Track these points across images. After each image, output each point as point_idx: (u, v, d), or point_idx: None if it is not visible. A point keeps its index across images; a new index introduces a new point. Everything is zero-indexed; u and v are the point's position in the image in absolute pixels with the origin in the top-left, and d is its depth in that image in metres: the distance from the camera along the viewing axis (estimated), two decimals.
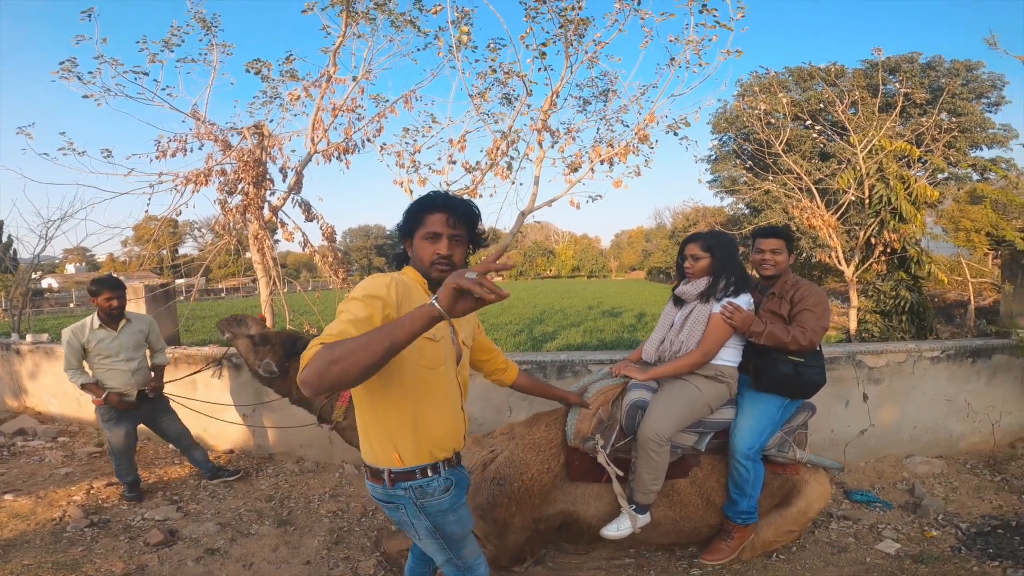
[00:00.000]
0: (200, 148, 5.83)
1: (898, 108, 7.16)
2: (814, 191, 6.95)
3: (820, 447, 3.93)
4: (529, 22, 5.24)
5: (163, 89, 5.65)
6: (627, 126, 6.38)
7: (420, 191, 6.27)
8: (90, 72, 5.40)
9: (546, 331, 15.16)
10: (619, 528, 2.60)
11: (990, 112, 21.54)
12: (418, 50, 6.06)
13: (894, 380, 4.10)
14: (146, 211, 5.89)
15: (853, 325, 6.80)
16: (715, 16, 5.10)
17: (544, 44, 5.49)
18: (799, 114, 9.76)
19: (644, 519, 2.62)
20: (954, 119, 13.69)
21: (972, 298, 10.68)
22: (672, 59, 5.66)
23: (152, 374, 4.03)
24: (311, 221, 5.97)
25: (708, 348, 2.60)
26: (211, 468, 4.15)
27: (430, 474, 1.61)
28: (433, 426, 1.61)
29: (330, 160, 5.98)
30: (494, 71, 5.90)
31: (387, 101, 6.21)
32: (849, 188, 6.78)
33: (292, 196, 5.81)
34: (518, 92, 5.95)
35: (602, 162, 6.17)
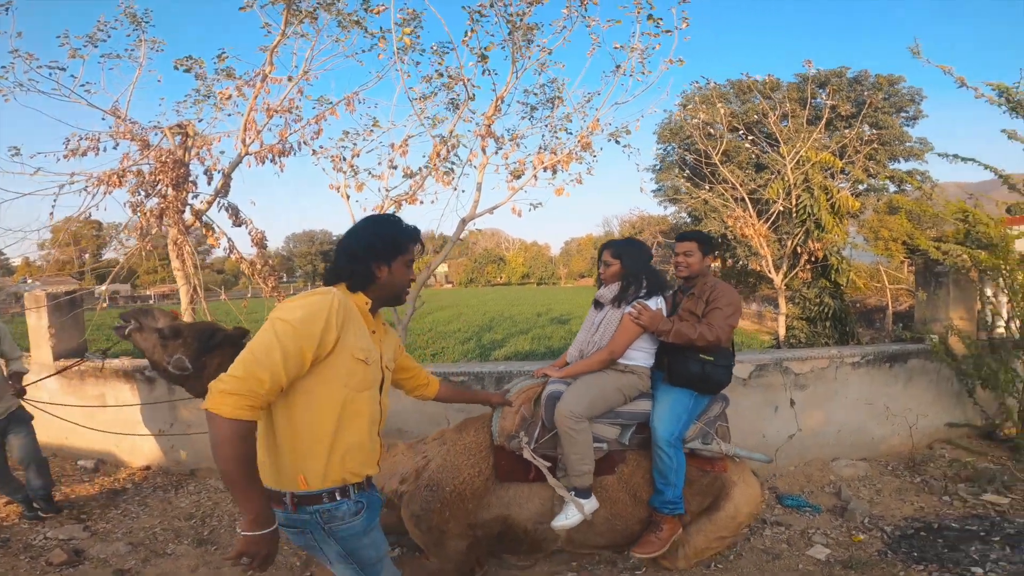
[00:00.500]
0: (115, 147, 5.48)
1: (824, 120, 7.50)
2: (747, 201, 7.18)
3: (752, 451, 3.98)
4: (472, 25, 5.15)
5: (82, 85, 5.34)
6: (571, 134, 6.38)
7: (357, 197, 6.11)
8: (2, 67, 5.10)
9: (495, 339, 15.08)
10: (567, 517, 2.60)
11: (908, 126, 22.76)
12: (363, 51, 5.84)
13: (818, 385, 4.22)
14: (51, 213, 5.39)
15: (782, 331, 7.04)
16: (659, 25, 5.18)
17: (487, 48, 5.39)
18: (736, 125, 10.12)
19: (590, 504, 2.62)
20: (875, 132, 14.51)
21: (890, 303, 11.33)
22: (617, 66, 5.67)
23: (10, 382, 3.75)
24: (239, 226, 5.67)
25: (615, 347, 2.72)
26: (41, 497, 3.68)
27: (339, 498, 1.54)
28: (351, 450, 1.55)
29: (263, 163, 5.69)
30: (440, 75, 5.79)
31: (330, 103, 6.00)
32: (778, 198, 7.03)
33: (219, 200, 5.51)
34: (463, 97, 5.85)
35: (545, 169, 6.14)
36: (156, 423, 4.46)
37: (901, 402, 4.22)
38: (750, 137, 8.75)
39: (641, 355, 2.80)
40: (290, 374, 1.40)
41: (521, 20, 5.23)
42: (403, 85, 5.58)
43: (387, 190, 5.84)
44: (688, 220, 23.69)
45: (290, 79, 5.69)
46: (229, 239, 5.69)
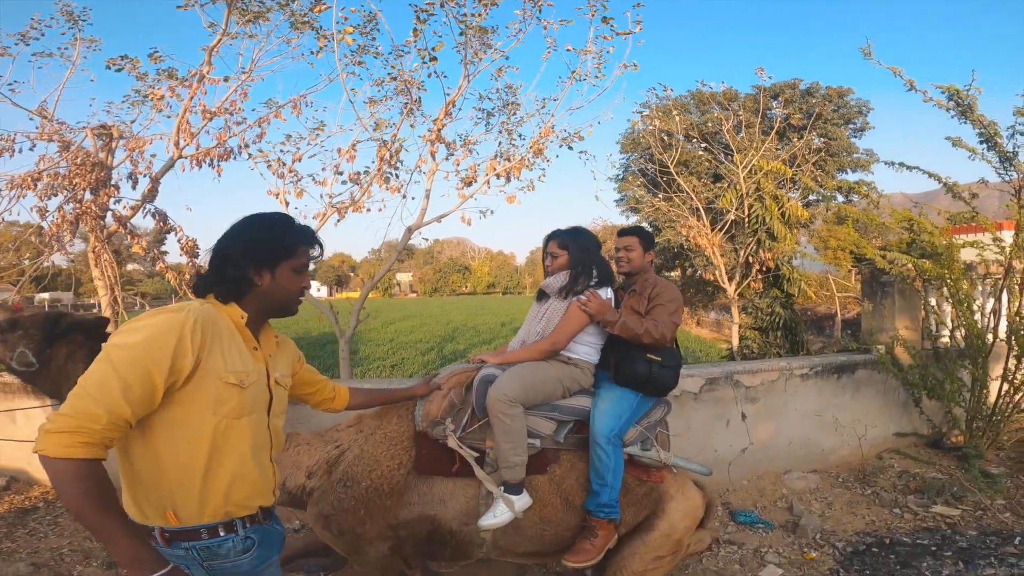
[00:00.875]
0: (32, 149, 5.19)
1: (775, 130, 7.60)
2: (702, 211, 7.17)
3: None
4: (417, 25, 5.03)
5: (8, 84, 5.13)
6: (524, 139, 6.27)
7: (297, 203, 5.92)
8: None
9: (457, 349, 14.84)
10: (495, 516, 2.36)
11: (856, 137, 23.13)
12: (312, 53, 5.64)
13: (769, 398, 4.15)
14: None
15: (735, 341, 7.03)
16: (613, 27, 5.15)
17: (434, 48, 5.23)
18: (693, 135, 10.21)
19: (522, 500, 2.39)
20: (824, 141, 14.89)
21: (839, 311, 11.56)
22: (573, 72, 5.63)
23: None
24: (167, 233, 5.41)
25: (558, 337, 2.60)
26: None
27: (222, 533, 1.37)
28: (232, 482, 1.38)
29: (200, 166, 5.49)
30: (393, 79, 5.64)
31: (277, 104, 5.80)
32: (732, 208, 7.04)
33: (146, 205, 5.21)
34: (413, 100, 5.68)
35: (498, 176, 6.03)
36: None
37: (850, 413, 4.18)
38: (703, 146, 8.81)
39: (585, 349, 2.68)
40: (136, 407, 1.21)
41: (475, 21, 5.11)
42: (346, 87, 5.41)
43: (330, 196, 5.63)
44: (649, 230, 23.97)
45: (226, 80, 5.50)
46: (155, 248, 5.58)
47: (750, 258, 6.96)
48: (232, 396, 1.36)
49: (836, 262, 15.23)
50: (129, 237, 5.25)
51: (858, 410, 4.20)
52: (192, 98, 5.27)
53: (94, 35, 5.58)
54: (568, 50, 5.48)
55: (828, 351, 6.33)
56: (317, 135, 5.88)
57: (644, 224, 26.17)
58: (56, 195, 5.05)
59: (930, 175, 3.95)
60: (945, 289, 3.87)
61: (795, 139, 10.02)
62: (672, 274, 25.40)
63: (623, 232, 3.00)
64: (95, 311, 5.53)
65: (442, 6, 5.02)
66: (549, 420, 2.59)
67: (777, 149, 10.03)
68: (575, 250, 2.70)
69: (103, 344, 2.09)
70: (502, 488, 2.39)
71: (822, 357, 4.52)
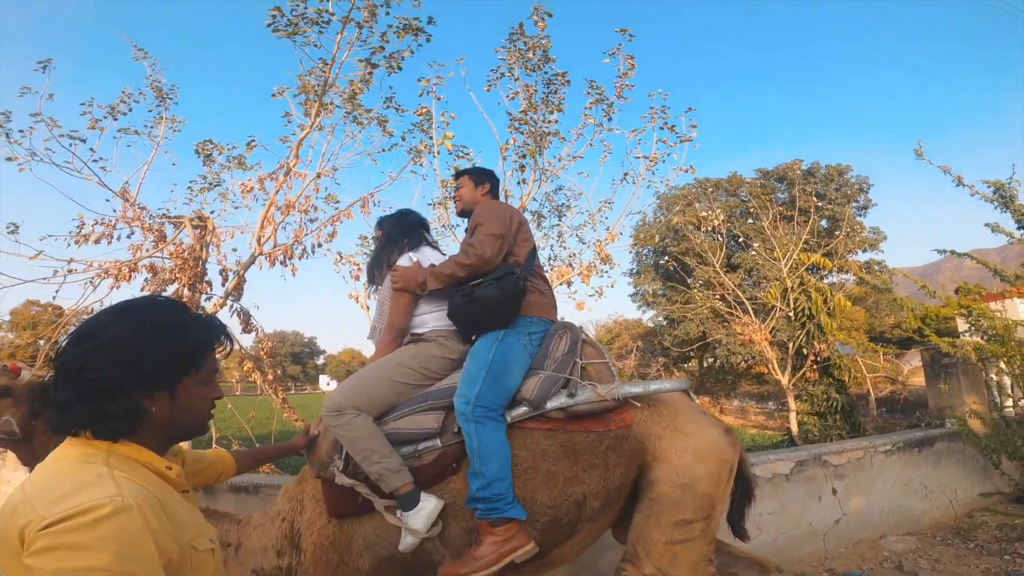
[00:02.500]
0: (130, 236, 5.24)
1: (811, 225, 8.55)
2: (748, 306, 8.02)
3: (800, 539, 4.32)
4: (513, 132, 5.67)
5: (95, 160, 5.10)
6: (585, 243, 6.67)
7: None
8: (21, 131, 4.84)
9: None
10: (404, 542, 2.11)
11: (860, 215, 24.38)
12: (383, 151, 5.90)
13: (857, 473, 4.68)
14: (53, 298, 5.06)
15: (795, 428, 7.60)
16: (677, 134, 5.74)
17: (523, 156, 5.82)
18: (707, 225, 10.93)
19: (420, 513, 2.08)
20: (830, 223, 15.80)
21: (872, 391, 12.14)
22: (625, 174, 6.15)
23: None
24: (248, 332, 5.45)
25: (393, 319, 2.43)
26: None
27: None
28: None
29: (274, 264, 5.52)
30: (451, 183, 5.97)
31: (338, 202, 5.89)
32: (777, 302, 7.90)
33: (230, 302, 5.26)
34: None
35: (561, 284, 6.37)
36: None
37: (936, 479, 4.75)
38: (720, 238, 9.48)
39: (427, 318, 2.45)
40: None
41: (551, 127, 5.70)
42: (433, 185, 5.92)
43: None
44: (664, 324, 24.73)
45: (318, 176, 5.56)
46: (241, 347, 5.44)
47: (803, 349, 7.71)
48: (208, 562, 1.11)
49: (852, 341, 16.06)
50: None
51: (942, 477, 4.78)
52: (278, 191, 5.33)
53: (176, 114, 5.66)
54: (638, 157, 6.09)
55: (890, 430, 6.92)
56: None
57: (660, 318, 26.99)
58: (157, 289, 4.95)
59: (982, 263, 4.76)
60: (1004, 365, 4.62)
61: (802, 222, 10.84)
62: (688, 365, 25.74)
63: (455, 175, 2.88)
64: None
65: (536, 109, 5.52)
66: (428, 413, 2.27)
67: (787, 234, 10.94)
68: (388, 227, 2.67)
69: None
70: (399, 510, 2.12)
71: (900, 434, 5.15)
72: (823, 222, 15.48)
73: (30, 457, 2.31)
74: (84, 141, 5.05)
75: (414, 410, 2.26)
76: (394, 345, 2.42)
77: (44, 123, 4.87)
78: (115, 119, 5.25)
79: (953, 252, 4.90)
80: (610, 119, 5.71)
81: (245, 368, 5.36)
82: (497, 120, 6.16)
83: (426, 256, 2.52)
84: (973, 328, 4.76)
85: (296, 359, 71.39)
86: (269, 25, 4.79)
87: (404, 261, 2.47)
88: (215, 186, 5.67)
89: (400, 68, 5.24)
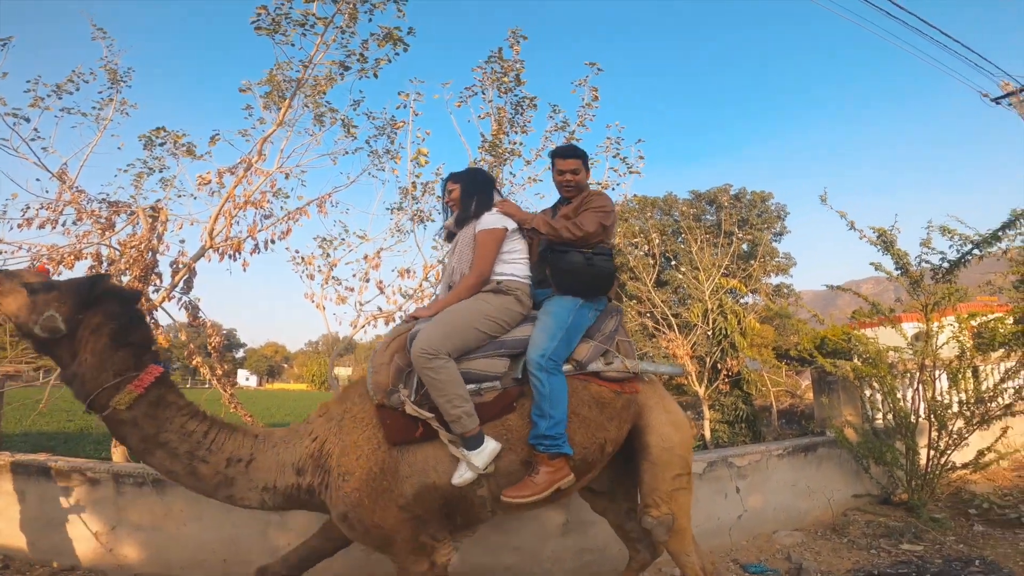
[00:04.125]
0: (76, 223, 5.17)
1: (733, 249, 9.56)
2: (673, 322, 8.93)
3: (711, 532, 4.98)
4: (483, 154, 5.84)
5: (33, 139, 4.99)
6: None
7: (335, 309, 6.09)
8: None
9: None
10: (460, 474, 2.42)
11: (776, 241, 26.52)
12: (346, 153, 5.95)
13: (755, 474, 5.44)
14: None
15: (708, 434, 8.56)
16: (628, 165, 6.14)
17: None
18: (637, 240, 11.65)
19: (483, 454, 2.41)
20: (750, 246, 17.30)
21: (774, 403, 13.58)
22: None
23: None
24: (195, 326, 5.53)
25: (480, 266, 2.67)
26: None
27: None
28: None
29: (223, 258, 5.51)
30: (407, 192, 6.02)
31: (287, 198, 5.90)
32: (699, 321, 8.87)
33: (178, 294, 5.31)
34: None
35: None
36: (93, 524, 4.03)
37: (817, 482, 5.66)
38: (650, 256, 10.15)
39: (514, 267, 2.75)
40: None
41: (511, 150, 5.88)
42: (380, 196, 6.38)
43: (360, 304, 5.87)
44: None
45: (288, 175, 5.50)
46: (190, 342, 5.49)
47: (718, 364, 8.70)
48: None
49: (760, 358, 17.79)
50: (153, 326, 4.95)
51: (823, 479, 5.70)
52: (236, 186, 5.31)
53: (128, 98, 5.47)
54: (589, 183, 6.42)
55: (786, 437, 7.98)
56: (350, 240, 6.03)
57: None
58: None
59: (861, 296, 5.79)
60: (875, 383, 5.61)
61: (724, 244, 11.94)
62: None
63: (566, 154, 3.06)
64: None
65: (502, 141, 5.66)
66: (499, 358, 2.59)
67: (712, 254, 11.96)
68: (467, 182, 2.89)
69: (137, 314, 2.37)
70: (461, 446, 2.41)
71: (790, 440, 6.05)
72: (744, 246, 16.98)
73: (68, 359, 2.36)
74: (28, 120, 4.96)
75: (488, 354, 2.59)
76: (476, 288, 2.67)
77: None
78: (60, 97, 5.15)
79: (831, 286, 5.90)
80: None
81: (194, 362, 5.38)
82: (467, 135, 6.16)
83: (492, 219, 2.80)
84: (849, 350, 5.74)
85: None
86: (253, 22, 4.85)
87: (488, 221, 2.77)
88: (156, 172, 5.57)
89: (376, 76, 5.38)
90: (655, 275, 9.56)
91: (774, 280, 25.95)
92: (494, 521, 3.92)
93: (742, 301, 20.39)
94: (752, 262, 15.87)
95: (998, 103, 12.45)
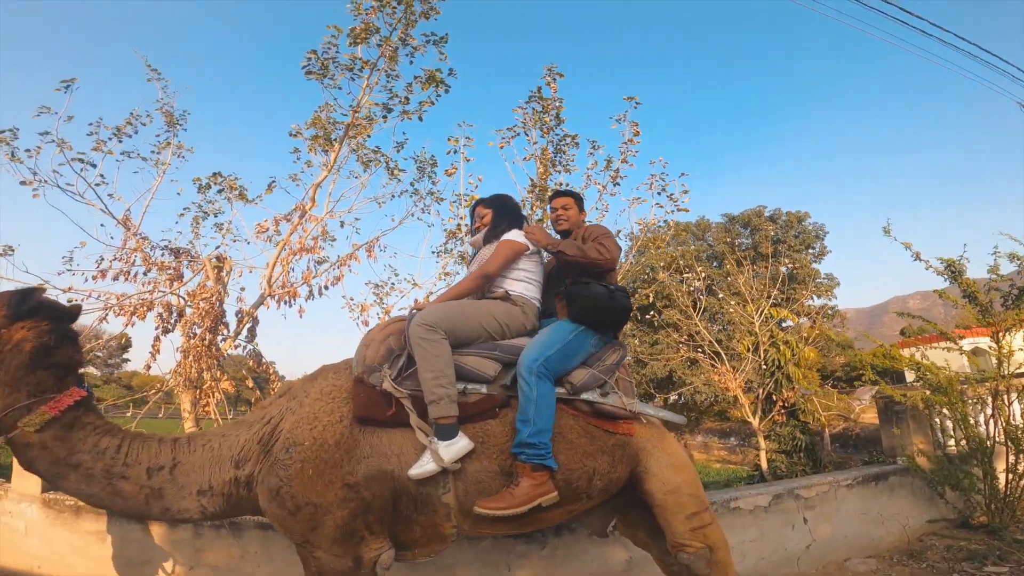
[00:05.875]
0: (146, 274, 5.31)
1: (779, 275, 9.62)
2: (723, 355, 9.03)
3: (778, 563, 5.08)
4: (532, 198, 6.01)
5: (98, 184, 5.02)
6: None
7: None
8: (27, 150, 4.77)
9: None
10: (423, 463, 2.32)
11: (816, 262, 26.07)
12: (393, 196, 6.08)
13: (824, 504, 5.50)
14: None
15: (764, 464, 8.59)
16: (674, 201, 6.19)
17: (540, 220, 5.88)
18: (673, 267, 11.64)
19: (453, 447, 2.34)
20: (790, 268, 17.13)
21: (826, 428, 13.43)
22: (618, 231, 6.31)
23: None
24: (259, 373, 5.65)
25: (489, 266, 2.75)
26: None
27: None
28: None
29: (280, 305, 5.64)
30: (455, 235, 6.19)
31: (335, 240, 5.98)
32: (748, 352, 8.97)
33: (242, 344, 5.43)
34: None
35: None
36: (172, 566, 4.17)
37: (890, 509, 5.69)
38: (690, 283, 10.19)
39: (523, 286, 2.81)
40: None
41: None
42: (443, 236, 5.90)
43: None
44: (632, 362, 25.74)
45: (342, 223, 5.69)
46: (258, 388, 5.65)
47: (772, 395, 8.77)
48: None
49: (804, 382, 17.52)
50: (219, 373, 5.09)
51: (896, 507, 5.72)
52: (292, 232, 5.46)
53: (184, 141, 5.54)
54: (638, 224, 6.56)
55: (848, 465, 7.97)
56: (402, 286, 6.19)
57: (629, 358, 27.96)
58: (172, 330, 5.09)
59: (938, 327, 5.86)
60: (946, 411, 5.68)
61: (763, 266, 11.79)
62: (653, 401, 26.82)
63: (557, 195, 3.26)
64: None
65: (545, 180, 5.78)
66: (491, 360, 2.59)
67: (753, 278, 11.85)
68: (499, 207, 3.07)
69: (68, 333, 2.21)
70: (433, 437, 2.35)
71: (859, 469, 6.11)
72: (783, 268, 17.00)
73: None
74: (95, 166, 5.02)
75: (481, 354, 2.59)
76: (479, 283, 2.75)
77: (55, 144, 4.80)
78: (120, 141, 5.20)
79: (904, 312, 6.01)
80: (616, 184, 6.14)
81: (254, 399, 5.46)
82: (513, 176, 6.25)
83: (517, 234, 2.91)
84: (918, 378, 5.83)
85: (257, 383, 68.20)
86: (304, 67, 5.06)
87: (512, 234, 2.87)
88: (213, 216, 5.67)
89: (421, 118, 5.53)
90: (702, 307, 9.67)
91: (817, 302, 25.69)
92: (552, 562, 4.06)
93: (785, 325, 20.32)
94: (794, 285, 15.82)
95: None
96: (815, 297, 24.81)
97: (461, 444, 2.35)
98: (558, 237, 3.21)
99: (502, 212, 3.05)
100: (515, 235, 2.88)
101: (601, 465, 2.62)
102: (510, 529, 2.60)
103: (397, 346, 2.57)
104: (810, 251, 25.82)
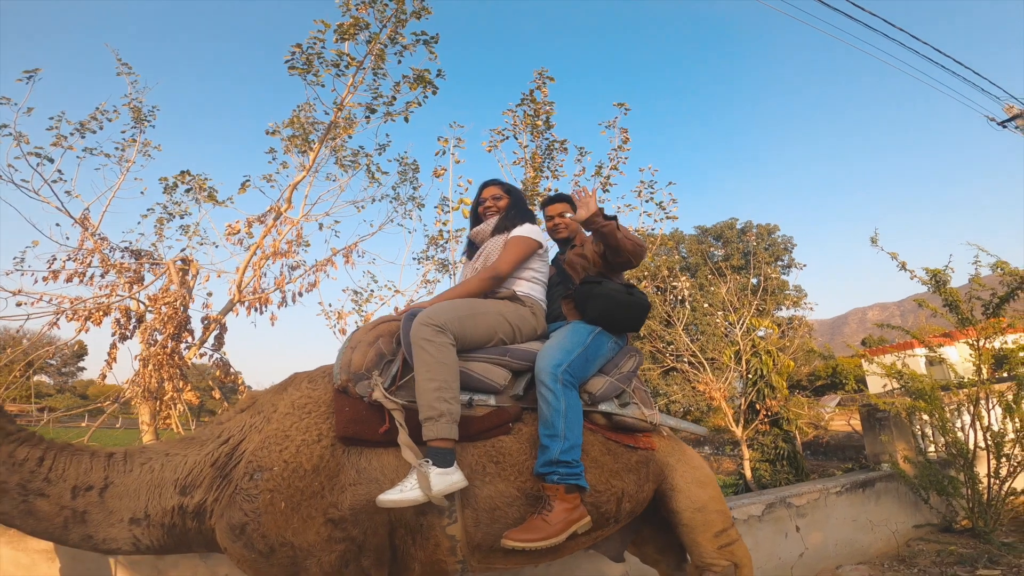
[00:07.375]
0: (103, 276, 5.15)
1: (760, 289, 10.03)
2: (706, 366, 9.28)
3: (773, 572, 5.21)
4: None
5: (55, 181, 4.92)
6: None
7: None
8: None
9: None
10: (401, 491, 1.90)
11: (785, 274, 27.11)
12: (373, 200, 6.02)
13: (814, 512, 5.69)
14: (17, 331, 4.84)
15: (748, 473, 8.82)
16: (663, 209, 6.34)
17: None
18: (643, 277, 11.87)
19: (447, 477, 1.94)
20: (767, 280, 17.74)
21: (798, 436, 13.92)
22: None
23: None
24: (227, 383, 5.44)
25: (501, 264, 2.51)
26: None
27: None
28: None
29: (250, 312, 5.51)
30: (436, 240, 6.25)
31: (309, 246, 5.87)
32: (731, 363, 9.23)
33: (209, 351, 5.33)
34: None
35: None
36: None
37: (878, 515, 5.93)
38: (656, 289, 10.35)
39: (530, 286, 2.62)
40: None
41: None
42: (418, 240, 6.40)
43: None
44: None
45: (321, 226, 5.65)
46: (223, 398, 5.48)
47: (756, 404, 9.03)
48: None
49: (785, 392, 18.22)
50: (181, 383, 4.89)
51: (883, 513, 5.97)
52: (266, 235, 5.33)
53: (152, 139, 5.42)
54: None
55: (828, 472, 8.23)
56: (382, 292, 6.18)
57: None
58: (130, 336, 4.94)
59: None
60: (926, 416, 5.96)
61: (732, 275, 12.14)
62: None
63: (552, 201, 3.07)
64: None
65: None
66: (501, 367, 2.30)
67: (727, 291, 12.17)
68: (517, 196, 2.85)
69: None
70: (425, 460, 1.96)
71: (846, 476, 6.35)
72: (753, 280, 17.56)
73: None
74: (52, 161, 4.90)
75: (489, 360, 2.28)
76: (489, 284, 2.48)
77: (11, 136, 4.68)
78: (83, 136, 5.07)
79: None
80: (606, 191, 6.19)
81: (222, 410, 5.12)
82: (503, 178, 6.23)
83: (531, 229, 2.71)
84: (901, 386, 6.11)
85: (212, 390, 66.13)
86: (287, 61, 4.97)
87: (526, 229, 2.66)
88: (177, 217, 5.55)
89: (407, 120, 5.51)
90: (685, 317, 9.93)
91: (785, 313, 26.48)
92: None
93: (760, 334, 20.90)
94: (765, 296, 16.35)
95: (1004, 126, 13.25)
96: (783, 307, 25.65)
97: (456, 478, 1.97)
98: (555, 246, 3.14)
99: (519, 202, 2.83)
100: (529, 231, 2.65)
101: (629, 485, 2.38)
102: (526, 562, 2.23)
103: (389, 350, 2.23)
104: (779, 263, 26.69)
